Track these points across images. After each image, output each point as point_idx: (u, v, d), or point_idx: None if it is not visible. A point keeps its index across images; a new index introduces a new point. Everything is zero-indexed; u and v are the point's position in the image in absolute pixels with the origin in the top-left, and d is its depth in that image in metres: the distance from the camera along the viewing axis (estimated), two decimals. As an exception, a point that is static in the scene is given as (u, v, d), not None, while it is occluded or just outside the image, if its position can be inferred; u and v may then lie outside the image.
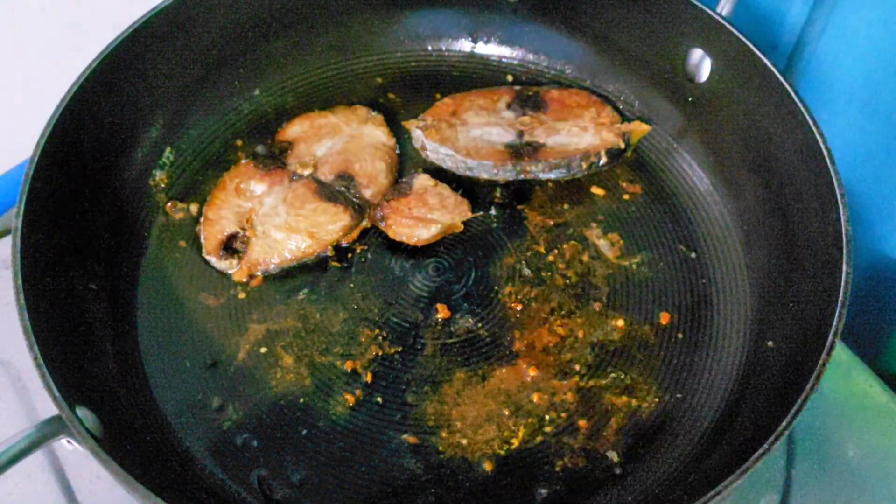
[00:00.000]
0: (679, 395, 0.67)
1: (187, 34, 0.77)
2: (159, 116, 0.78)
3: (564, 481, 0.63)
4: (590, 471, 0.63)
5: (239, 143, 0.80)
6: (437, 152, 0.76)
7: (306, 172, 0.75)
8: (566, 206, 0.76)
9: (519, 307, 0.70)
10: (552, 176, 0.76)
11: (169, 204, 0.76)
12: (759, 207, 0.73)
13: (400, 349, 0.68)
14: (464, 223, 0.74)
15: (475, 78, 0.85)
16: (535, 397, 0.66)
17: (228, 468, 0.63)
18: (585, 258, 0.73)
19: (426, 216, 0.72)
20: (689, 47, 0.77)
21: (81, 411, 0.56)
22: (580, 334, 0.69)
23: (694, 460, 0.63)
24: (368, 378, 0.67)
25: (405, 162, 0.79)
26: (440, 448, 0.64)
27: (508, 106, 0.79)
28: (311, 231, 0.72)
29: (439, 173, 0.77)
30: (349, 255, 0.73)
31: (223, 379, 0.67)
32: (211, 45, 0.79)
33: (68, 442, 0.56)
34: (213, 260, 0.72)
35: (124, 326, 0.69)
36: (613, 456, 0.64)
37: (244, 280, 0.71)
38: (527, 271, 0.72)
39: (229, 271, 0.72)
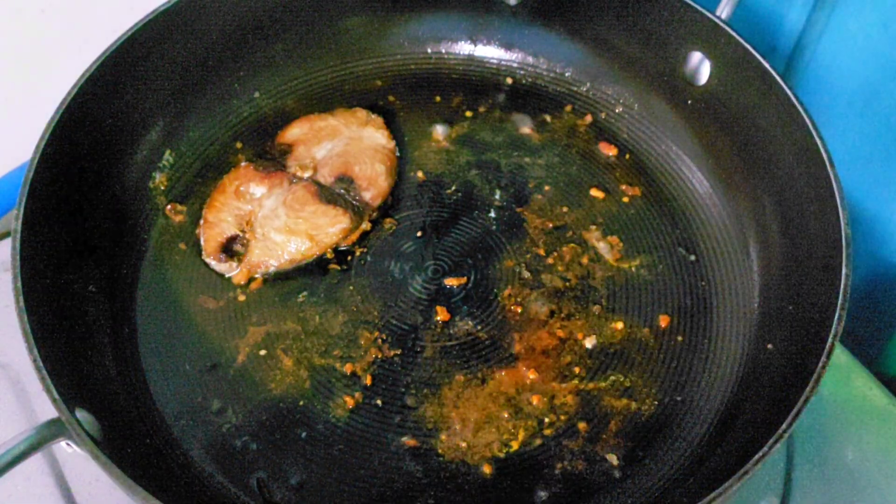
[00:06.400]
0: (679, 398, 0.67)
1: (187, 36, 0.77)
2: (159, 119, 0.78)
3: (564, 484, 0.63)
4: (589, 473, 0.63)
5: (238, 145, 0.80)
6: None
7: (306, 175, 0.75)
8: (565, 209, 0.76)
9: (518, 310, 0.70)
10: None
11: (168, 206, 0.76)
12: (759, 210, 0.73)
13: (399, 352, 0.68)
14: (463, 225, 0.74)
15: (475, 80, 0.85)
16: (534, 400, 0.66)
17: (228, 471, 0.63)
18: (585, 261, 0.73)
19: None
20: (689, 50, 0.77)
21: (81, 414, 0.56)
22: (580, 337, 0.69)
23: (693, 463, 0.63)
24: (368, 381, 0.67)
25: (405, 164, 0.79)
26: (439, 451, 0.64)
27: None
28: (310, 234, 0.72)
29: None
30: (349, 257, 0.73)
31: (223, 381, 0.67)
32: (210, 47, 0.79)
33: (67, 444, 0.56)
34: (212, 262, 0.72)
35: (124, 329, 0.69)
36: (613, 458, 0.64)
37: (244, 282, 0.71)
38: (526, 274, 0.72)
39: (229, 274, 0.72)
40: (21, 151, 0.71)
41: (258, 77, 0.83)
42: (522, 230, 0.75)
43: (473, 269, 0.73)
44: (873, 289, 0.86)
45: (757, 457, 0.54)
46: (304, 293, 0.71)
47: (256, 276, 0.72)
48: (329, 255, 0.73)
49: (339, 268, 0.73)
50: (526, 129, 0.82)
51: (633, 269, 0.73)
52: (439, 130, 0.81)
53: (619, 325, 0.70)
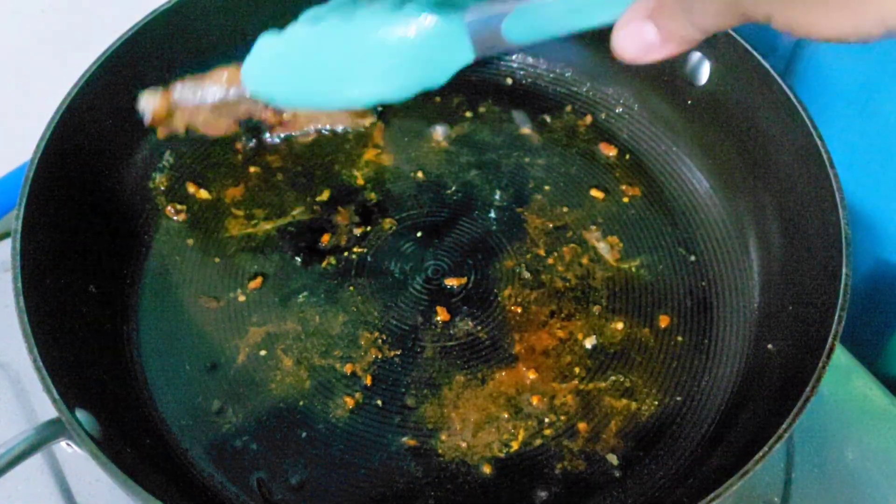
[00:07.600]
0: (679, 398, 0.67)
1: (187, 36, 0.77)
2: (159, 119, 0.78)
3: (564, 484, 0.63)
4: (589, 474, 0.63)
5: (238, 145, 0.80)
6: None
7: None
8: (565, 209, 0.76)
9: (518, 310, 0.70)
10: None
11: (168, 207, 0.76)
12: (759, 210, 0.73)
13: (400, 352, 0.68)
14: (463, 225, 0.74)
15: (474, 80, 0.85)
16: (534, 400, 0.66)
17: (228, 471, 0.63)
18: (585, 261, 0.73)
19: None
20: (689, 50, 0.76)
21: (81, 414, 0.56)
22: (580, 337, 0.69)
23: (693, 463, 0.63)
24: (368, 381, 0.67)
25: (404, 164, 0.79)
26: (439, 451, 0.64)
27: None
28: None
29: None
30: (349, 257, 0.73)
31: (223, 382, 0.67)
32: (211, 47, 0.79)
33: (67, 444, 0.56)
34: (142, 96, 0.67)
35: (124, 329, 0.69)
36: (613, 459, 0.64)
37: (162, 115, 0.66)
38: (526, 274, 0.72)
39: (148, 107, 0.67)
40: (21, 151, 0.71)
41: (258, 77, 0.83)
42: (522, 230, 0.75)
43: (473, 270, 0.73)
44: (873, 289, 0.86)
45: (757, 457, 0.54)
46: (305, 293, 0.71)
47: (174, 109, 0.66)
48: (326, 246, 0.73)
49: (338, 268, 0.73)
50: (526, 129, 0.82)
51: (633, 269, 0.73)
52: (439, 131, 0.81)
53: (620, 326, 0.70)
